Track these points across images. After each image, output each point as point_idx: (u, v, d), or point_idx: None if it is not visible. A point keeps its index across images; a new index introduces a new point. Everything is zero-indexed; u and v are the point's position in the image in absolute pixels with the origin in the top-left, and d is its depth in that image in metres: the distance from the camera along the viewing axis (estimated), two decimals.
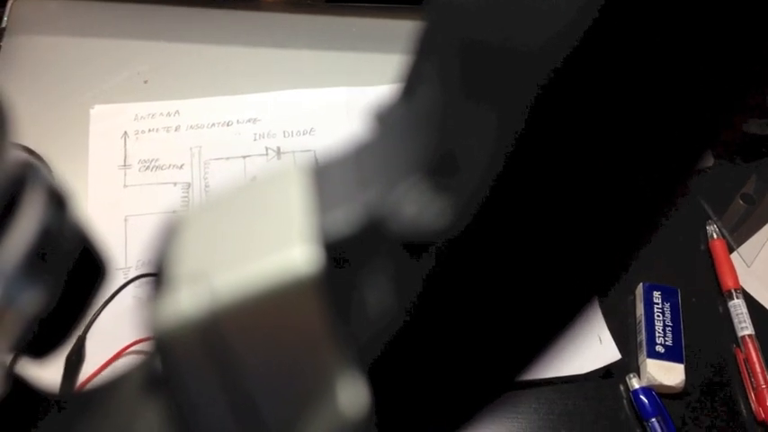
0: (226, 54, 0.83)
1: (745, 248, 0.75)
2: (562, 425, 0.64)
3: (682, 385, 0.65)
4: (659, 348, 0.66)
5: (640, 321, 0.69)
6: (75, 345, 0.62)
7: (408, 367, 0.22)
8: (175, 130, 0.77)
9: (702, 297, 0.72)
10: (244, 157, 0.76)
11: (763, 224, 0.76)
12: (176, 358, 0.21)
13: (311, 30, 0.86)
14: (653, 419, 0.63)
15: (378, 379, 0.22)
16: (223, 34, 0.85)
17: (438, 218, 0.20)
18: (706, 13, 0.17)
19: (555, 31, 0.17)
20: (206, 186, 0.74)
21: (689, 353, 0.67)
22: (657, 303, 0.69)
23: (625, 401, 0.66)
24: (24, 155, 0.22)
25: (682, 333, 0.68)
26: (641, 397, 0.64)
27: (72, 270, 0.23)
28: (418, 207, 0.20)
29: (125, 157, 0.74)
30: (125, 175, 0.73)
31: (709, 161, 0.79)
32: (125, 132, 0.76)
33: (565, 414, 0.65)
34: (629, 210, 0.20)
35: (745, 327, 0.69)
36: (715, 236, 0.75)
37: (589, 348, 0.67)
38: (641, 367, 0.67)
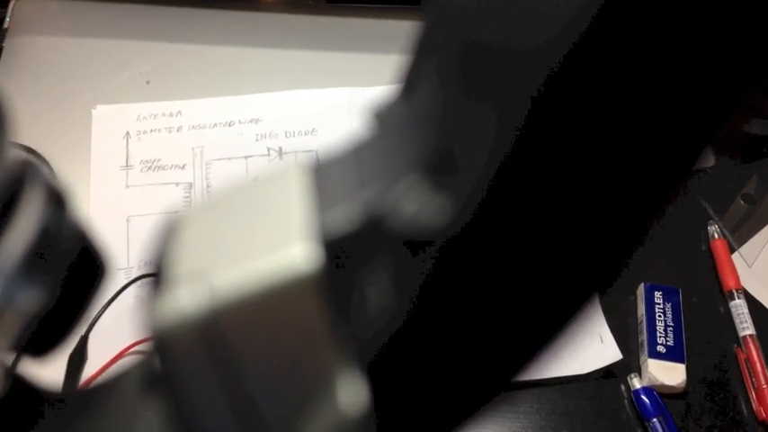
0: (227, 55, 0.83)
1: (747, 248, 0.75)
2: (563, 425, 0.64)
3: (683, 385, 0.65)
4: (660, 348, 0.66)
5: (641, 321, 0.69)
6: (77, 344, 0.62)
7: (408, 366, 0.22)
8: (177, 130, 0.77)
9: (703, 297, 0.72)
10: (246, 157, 0.76)
11: (764, 224, 0.76)
12: (176, 357, 0.21)
13: (312, 30, 0.86)
14: (654, 419, 0.63)
15: (377, 377, 0.22)
16: (225, 35, 0.85)
17: (437, 216, 0.20)
18: (705, 13, 0.17)
19: (555, 30, 0.17)
20: (208, 187, 0.74)
21: (690, 353, 0.67)
22: (659, 303, 0.69)
23: (626, 401, 0.66)
24: (24, 154, 0.22)
25: (683, 333, 0.68)
26: (642, 397, 0.64)
27: (71, 269, 0.23)
28: (418, 205, 0.20)
29: (127, 158, 0.75)
30: (127, 175, 0.74)
31: (711, 161, 0.79)
32: (127, 133, 0.76)
33: (566, 414, 0.65)
34: (629, 208, 0.20)
35: (746, 327, 0.69)
36: (716, 236, 0.75)
37: (590, 348, 0.67)
38: (642, 367, 0.67)
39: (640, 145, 0.19)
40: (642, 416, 0.64)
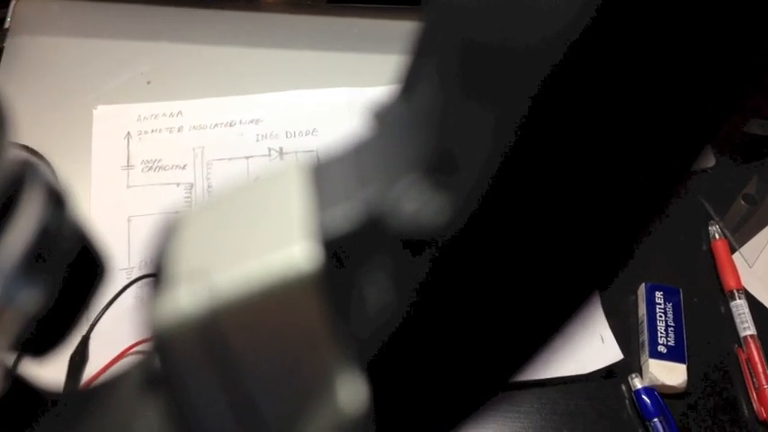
0: (228, 55, 0.83)
1: (747, 249, 0.75)
2: (564, 425, 0.64)
3: (684, 385, 0.65)
4: (661, 348, 0.66)
5: (642, 321, 0.69)
6: (78, 345, 0.62)
7: (408, 365, 0.22)
8: (178, 130, 0.77)
9: (704, 297, 0.72)
10: (246, 157, 0.76)
11: (765, 224, 0.76)
12: (176, 357, 0.21)
13: (313, 30, 0.86)
14: (655, 419, 0.63)
15: (377, 377, 0.22)
16: (225, 35, 0.85)
17: (437, 215, 0.20)
18: (705, 12, 0.17)
19: (554, 30, 0.17)
20: (209, 187, 0.74)
21: (691, 353, 0.67)
22: (659, 303, 0.69)
23: (627, 401, 0.66)
24: (24, 154, 0.22)
25: (684, 333, 0.68)
26: (643, 397, 0.64)
27: (71, 269, 0.23)
28: (417, 205, 0.20)
29: (128, 158, 0.75)
30: (128, 175, 0.74)
31: (711, 161, 0.79)
32: (128, 133, 0.76)
33: (567, 414, 0.65)
34: (628, 208, 0.20)
35: (746, 327, 0.69)
36: (717, 236, 0.75)
37: (591, 348, 0.67)
38: (643, 367, 0.67)
39: (640, 144, 0.19)
40: (643, 416, 0.64)
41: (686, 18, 0.17)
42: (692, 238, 0.76)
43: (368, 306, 0.21)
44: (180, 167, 0.75)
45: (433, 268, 0.20)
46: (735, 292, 0.71)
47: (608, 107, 0.18)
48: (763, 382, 0.66)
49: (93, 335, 0.63)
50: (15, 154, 0.22)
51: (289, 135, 0.78)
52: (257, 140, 0.77)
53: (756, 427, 0.65)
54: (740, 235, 0.75)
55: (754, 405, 0.66)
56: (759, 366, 0.67)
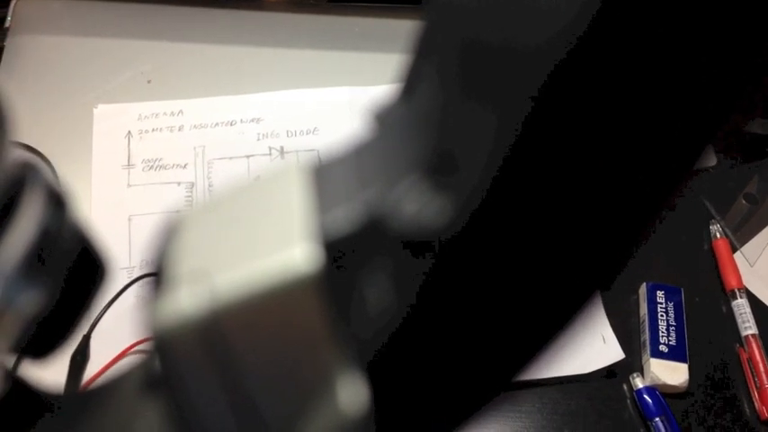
0: (229, 54, 0.83)
1: (749, 248, 0.75)
2: (565, 424, 0.64)
3: (685, 385, 0.65)
4: (663, 348, 0.66)
5: (644, 321, 0.69)
6: (79, 344, 0.62)
7: (408, 366, 0.22)
8: (179, 129, 0.77)
9: (706, 297, 0.72)
10: (247, 156, 0.76)
11: (766, 224, 0.76)
12: (176, 358, 0.21)
13: (314, 29, 0.86)
14: (656, 419, 0.63)
15: (378, 378, 0.22)
16: (226, 34, 0.85)
17: (438, 216, 0.20)
18: (705, 12, 0.17)
19: (555, 31, 0.17)
20: (209, 186, 0.74)
21: (692, 352, 0.67)
22: (661, 303, 0.69)
23: (629, 401, 0.66)
24: (24, 154, 0.22)
25: (685, 333, 0.68)
26: (645, 396, 0.64)
27: (71, 270, 0.23)
28: (418, 206, 0.20)
29: (129, 157, 0.75)
30: (129, 174, 0.74)
31: (712, 161, 0.79)
32: (128, 132, 0.76)
33: (568, 413, 0.65)
34: (629, 208, 0.20)
35: (748, 326, 0.69)
36: (718, 235, 0.75)
37: (592, 348, 0.67)
38: (645, 367, 0.67)
39: (641, 144, 0.19)
40: (644, 415, 0.64)
41: (686, 18, 0.17)
42: (694, 237, 0.76)
43: (368, 307, 0.21)
44: (181, 166, 0.75)
45: (434, 269, 0.20)
46: (736, 291, 0.71)
47: (608, 107, 0.18)
48: (765, 381, 0.66)
49: (94, 334, 0.63)
50: (16, 154, 0.22)
51: (290, 134, 0.78)
52: (258, 139, 0.77)
53: (758, 426, 0.65)
54: (741, 234, 0.75)
55: (756, 404, 0.66)
56: (760, 366, 0.67)
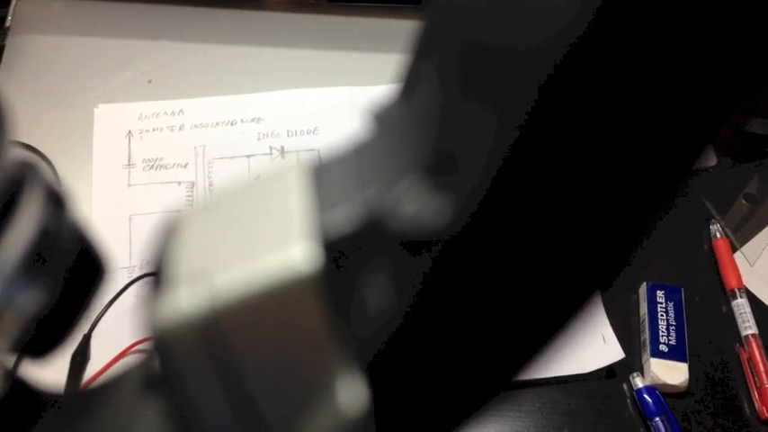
0: (229, 53, 0.83)
1: (749, 248, 0.75)
2: (565, 424, 0.64)
3: (685, 384, 0.65)
4: (663, 347, 0.66)
5: (644, 320, 0.69)
6: (80, 344, 0.62)
7: (408, 366, 0.22)
8: (179, 129, 0.77)
9: (706, 296, 0.72)
10: (248, 156, 0.76)
11: (766, 224, 0.76)
12: (176, 357, 0.21)
13: (314, 29, 0.86)
14: (656, 419, 0.63)
15: (377, 377, 0.22)
16: (226, 34, 0.85)
17: (437, 216, 0.20)
18: (705, 12, 0.17)
19: (554, 31, 0.17)
20: (210, 185, 0.74)
21: (692, 352, 0.67)
22: (661, 302, 0.69)
23: (629, 400, 0.66)
24: (24, 154, 0.22)
25: (685, 332, 0.68)
26: (645, 396, 0.64)
27: (70, 270, 0.23)
28: (417, 206, 0.20)
29: (129, 157, 0.75)
30: (129, 174, 0.74)
31: (712, 161, 0.79)
32: (129, 131, 0.76)
33: (568, 413, 0.65)
34: (629, 207, 0.20)
35: (748, 326, 0.69)
36: (718, 235, 0.75)
37: (592, 347, 0.67)
38: (645, 366, 0.67)
39: (641, 144, 0.19)
40: (644, 415, 0.64)
41: (686, 18, 0.17)
42: (694, 237, 0.76)
43: (368, 307, 0.21)
44: (181, 166, 0.75)
45: (434, 269, 0.20)
46: (736, 291, 0.71)
47: (608, 107, 0.18)
48: (765, 381, 0.66)
49: (94, 333, 0.63)
50: (16, 154, 0.22)
51: (290, 134, 0.78)
52: (258, 139, 0.77)
53: (758, 425, 0.65)
54: (741, 234, 0.75)
55: (756, 404, 0.66)
56: (760, 365, 0.67)
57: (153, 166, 0.74)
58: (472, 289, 0.21)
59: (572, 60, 0.17)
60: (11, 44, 0.81)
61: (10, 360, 0.23)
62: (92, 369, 0.62)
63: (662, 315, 0.68)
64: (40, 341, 0.23)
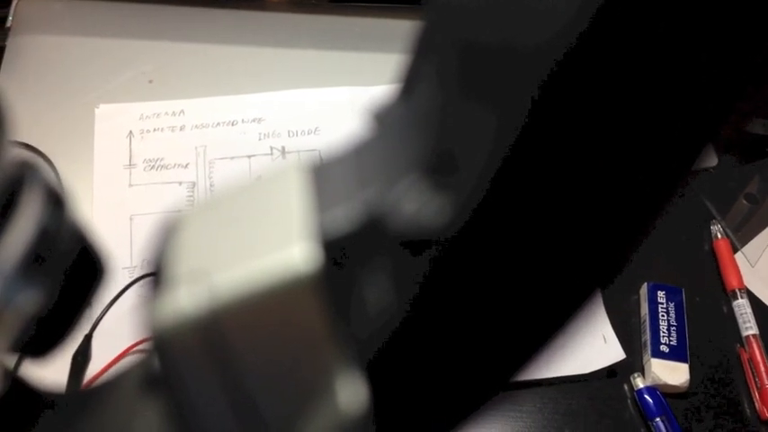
0: (230, 54, 0.83)
1: (749, 248, 0.75)
2: (566, 424, 0.64)
3: (686, 385, 0.65)
4: (664, 348, 0.66)
5: (645, 321, 0.69)
6: (81, 344, 0.62)
7: (408, 366, 0.22)
8: (180, 129, 0.77)
9: (707, 297, 0.72)
10: (249, 156, 0.76)
11: (767, 224, 0.76)
12: (176, 357, 0.21)
13: (315, 29, 0.86)
14: (657, 419, 0.63)
15: (377, 377, 0.22)
16: (227, 34, 0.85)
17: (437, 216, 0.20)
18: (705, 11, 0.17)
19: (554, 31, 0.17)
20: (211, 186, 0.74)
21: (693, 352, 0.67)
22: (662, 303, 0.69)
23: (629, 401, 0.66)
24: (24, 154, 0.22)
25: (686, 333, 0.68)
26: (646, 396, 0.64)
27: (70, 270, 0.23)
28: (417, 205, 0.20)
29: (130, 157, 0.75)
30: (130, 174, 0.74)
31: (713, 161, 0.79)
32: (130, 132, 0.76)
33: (569, 413, 0.65)
34: (629, 207, 0.20)
35: (749, 326, 0.69)
36: (719, 235, 0.75)
37: (593, 348, 0.67)
38: (646, 367, 0.66)
39: (640, 144, 0.19)
40: (645, 415, 0.64)
41: (686, 18, 0.17)
42: (694, 237, 0.76)
43: (368, 307, 0.21)
44: (182, 166, 0.75)
45: (433, 269, 0.20)
46: (737, 291, 0.71)
47: (608, 106, 0.18)
48: (766, 381, 0.66)
49: (95, 333, 0.63)
50: (15, 154, 0.22)
51: (291, 134, 0.78)
52: (259, 139, 0.77)
53: (759, 426, 0.65)
54: (742, 234, 0.75)
55: (757, 404, 0.66)
56: (761, 366, 0.67)
57: (154, 166, 0.74)
58: (472, 288, 0.21)
59: (571, 60, 0.17)
60: (12, 44, 0.81)
61: (10, 360, 0.23)
62: (93, 369, 0.62)
63: (663, 315, 0.68)
64: (40, 341, 0.23)
